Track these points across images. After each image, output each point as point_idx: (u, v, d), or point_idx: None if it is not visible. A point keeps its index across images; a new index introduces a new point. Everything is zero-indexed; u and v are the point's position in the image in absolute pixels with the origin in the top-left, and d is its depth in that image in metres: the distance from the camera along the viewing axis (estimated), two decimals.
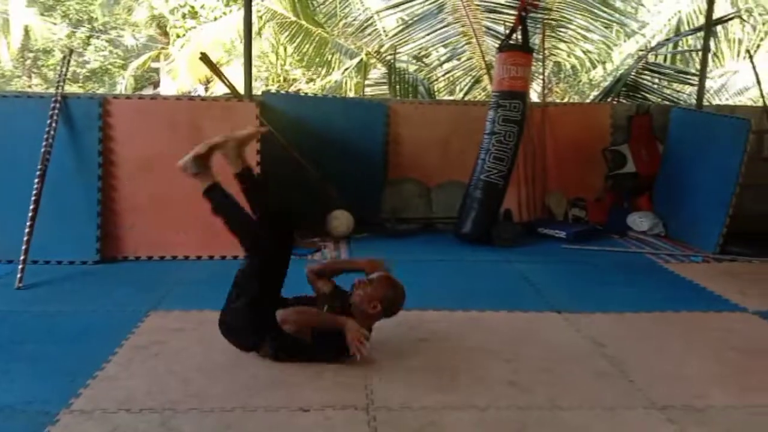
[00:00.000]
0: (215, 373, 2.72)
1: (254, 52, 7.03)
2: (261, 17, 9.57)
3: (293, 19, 9.27)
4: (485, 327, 3.33)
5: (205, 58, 4.99)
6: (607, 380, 2.73)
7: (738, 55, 9.71)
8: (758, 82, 5.96)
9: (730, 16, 8.25)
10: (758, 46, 9.84)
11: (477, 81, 8.38)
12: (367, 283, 2.86)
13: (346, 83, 8.71)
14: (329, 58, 9.20)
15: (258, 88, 7.01)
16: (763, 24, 10.51)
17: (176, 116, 4.64)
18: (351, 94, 8.52)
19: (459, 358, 2.92)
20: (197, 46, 10.49)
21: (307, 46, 9.16)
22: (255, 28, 8.95)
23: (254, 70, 6.55)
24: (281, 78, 12.10)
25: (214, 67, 5.19)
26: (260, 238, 2.86)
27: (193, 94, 11.51)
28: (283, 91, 6.60)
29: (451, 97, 8.51)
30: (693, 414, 2.45)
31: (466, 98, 8.17)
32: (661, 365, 2.89)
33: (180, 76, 12.03)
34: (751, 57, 6.53)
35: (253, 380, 2.65)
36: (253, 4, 5.51)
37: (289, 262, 2.92)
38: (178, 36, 13.96)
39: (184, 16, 14.17)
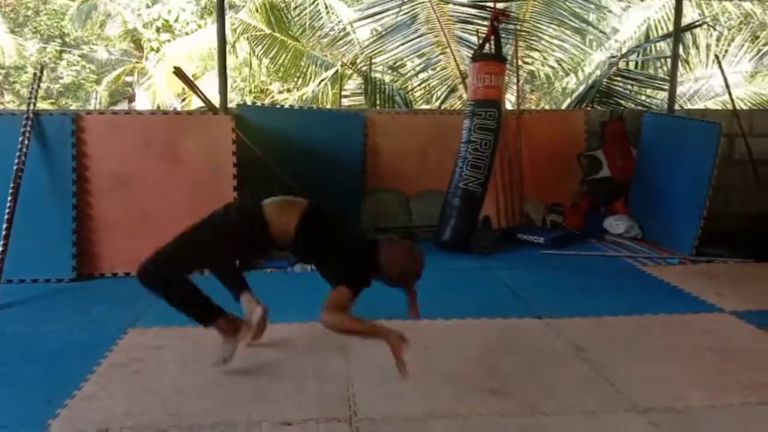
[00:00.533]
0: (195, 389, 2.68)
1: (229, 64, 7.03)
2: (235, 30, 9.56)
3: (268, 31, 9.28)
4: (466, 335, 3.34)
5: (178, 72, 4.96)
6: (588, 384, 2.75)
7: (708, 61, 9.91)
8: (727, 86, 6.08)
9: (698, 23, 8.43)
10: (726, 52, 10.06)
11: (453, 90, 8.44)
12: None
13: (322, 94, 8.72)
14: (305, 70, 9.21)
15: (234, 101, 6.97)
16: (729, 30, 10.75)
17: (151, 131, 4.60)
18: (328, 105, 8.53)
19: (440, 366, 2.92)
20: (172, 60, 10.43)
21: (282, 57, 9.16)
22: (229, 41, 8.94)
23: (229, 83, 6.52)
24: (257, 90, 12.08)
25: (188, 81, 5.15)
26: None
27: (169, 108, 11.42)
28: (258, 103, 6.57)
29: (428, 107, 8.56)
30: (674, 415, 2.48)
31: (442, 107, 8.22)
32: (642, 368, 2.92)
33: (156, 91, 11.95)
34: (719, 62, 6.67)
35: (234, 396, 2.62)
36: (226, 17, 5.50)
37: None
38: (152, 50, 13.86)
39: (158, 30, 14.07)
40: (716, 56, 7.74)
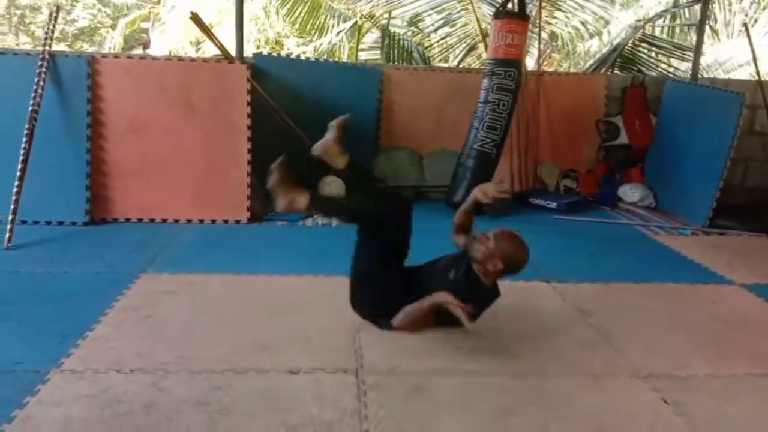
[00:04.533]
0: (204, 335, 2.73)
1: (246, 14, 6.91)
2: None
3: None
4: None
5: (195, 18, 4.89)
6: (592, 349, 2.77)
7: (734, 30, 9.64)
8: (754, 56, 5.93)
9: None
10: (756, 20, 9.76)
11: (472, 48, 8.28)
12: (487, 238, 2.71)
13: (339, 47, 8.58)
14: (322, 22, 9.04)
15: (249, 51, 6.89)
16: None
17: (166, 77, 4.56)
18: (344, 59, 8.41)
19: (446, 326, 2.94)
20: (188, 6, 10.26)
21: (300, 8, 8.99)
22: None
23: (246, 33, 6.42)
24: (273, 42, 11.90)
25: (204, 28, 5.08)
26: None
27: (184, 55, 11.30)
28: (275, 54, 6.49)
29: (446, 65, 8.41)
30: (675, 382, 2.49)
31: (460, 65, 8.08)
32: (646, 335, 2.93)
33: (171, 37, 11.79)
34: (747, 31, 6.48)
35: (242, 343, 2.66)
36: None
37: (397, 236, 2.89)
38: None
39: None
40: (745, 24, 7.52)
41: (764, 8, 9.87)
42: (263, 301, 3.14)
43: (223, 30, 9.60)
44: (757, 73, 5.93)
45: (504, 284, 3.50)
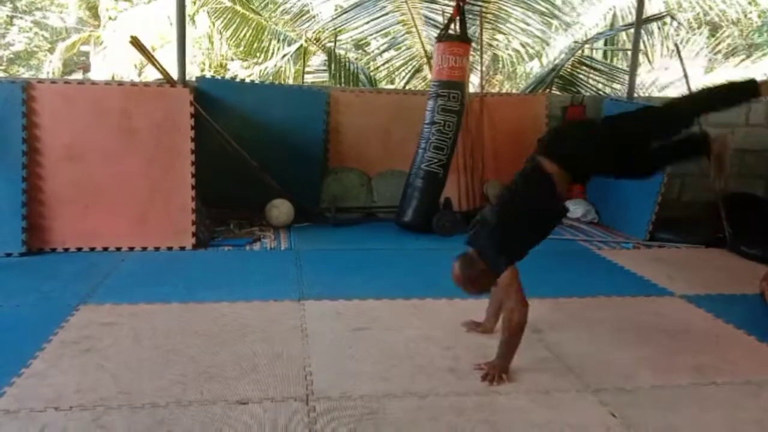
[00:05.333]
0: (148, 368, 2.63)
1: (190, 37, 6.83)
2: (195, 1, 9.30)
3: (229, 4, 9.05)
4: (426, 314, 3.36)
5: (135, 42, 4.79)
6: (543, 365, 2.80)
7: (668, 52, 10.11)
8: (685, 75, 6.20)
9: (660, 15, 8.56)
10: (687, 41, 10.27)
11: (418, 70, 8.41)
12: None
13: (285, 70, 8.57)
14: (267, 45, 9.03)
15: (193, 74, 6.82)
16: (689, 22, 10.96)
17: (105, 102, 4.45)
18: (290, 81, 8.39)
19: (399, 346, 2.93)
20: (129, 30, 10.09)
21: (244, 31, 8.96)
22: (189, 13, 8.69)
23: (189, 56, 6.34)
24: (218, 65, 11.80)
25: (145, 52, 4.98)
26: None
27: (125, 79, 11.08)
28: (219, 77, 6.42)
29: (392, 86, 8.50)
30: (623, 395, 2.54)
31: (406, 87, 8.18)
32: (595, 349, 2.99)
33: (113, 61, 11.55)
34: (678, 51, 6.79)
35: (187, 374, 2.58)
36: None
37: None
38: (110, 18, 13.37)
39: None
40: (676, 45, 7.88)
41: (693, 32, 10.41)
42: (210, 329, 3.05)
43: (166, 53, 9.46)
44: (689, 89, 6.20)
45: (456, 303, 3.53)
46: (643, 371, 2.77)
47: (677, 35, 10.51)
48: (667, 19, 9.49)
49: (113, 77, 11.07)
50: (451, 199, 5.41)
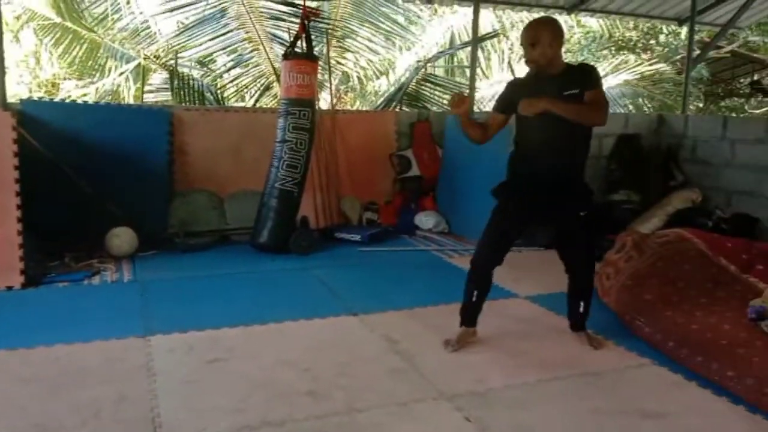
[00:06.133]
0: None
1: (11, 56, 6.22)
2: (18, 18, 8.51)
3: (58, 20, 8.39)
4: (283, 338, 3.27)
5: None
6: (399, 376, 2.84)
7: (504, 68, 10.85)
8: None
9: (493, 34, 9.17)
10: (520, 57, 11.07)
11: (267, 88, 8.30)
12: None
13: (123, 89, 8.07)
14: (103, 63, 8.46)
15: (16, 96, 6.19)
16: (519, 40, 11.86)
17: None
18: (130, 101, 7.92)
19: (255, 374, 2.83)
20: None
21: (76, 50, 8.33)
22: (11, 30, 7.93)
23: (14, 77, 5.77)
24: (48, 84, 10.87)
25: None
26: None
27: None
28: (47, 99, 5.90)
29: (242, 104, 8.32)
30: (476, 399, 2.64)
31: (257, 105, 8.04)
32: (448, 355, 3.08)
33: None
34: (511, 66, 7.31)
35: (19, 427, 2.30)
36: (3, 1, 4.86)
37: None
38: None
39: None
40: (509, 63, 8.50)
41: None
42: (43, 376, 2.75)
43: None
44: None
45: (314, 323, 3.49)
46: (493, 373, 2.89)
47: (511, 52, 11.34)
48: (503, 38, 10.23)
49: None
50: (308, 218, 5.37)
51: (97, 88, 8.23)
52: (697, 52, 8.31)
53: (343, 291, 4.10)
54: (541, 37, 2.90)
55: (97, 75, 8.60)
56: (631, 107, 10.28)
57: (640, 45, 13.36)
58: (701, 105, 13.95)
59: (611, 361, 3.08)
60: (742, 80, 14.66)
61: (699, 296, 3.60)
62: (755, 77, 14.29)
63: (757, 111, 14.10)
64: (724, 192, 5.69)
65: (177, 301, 3.82)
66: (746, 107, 14.38)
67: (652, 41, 13.32)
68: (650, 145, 6.33)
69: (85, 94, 8.67)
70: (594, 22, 10.81)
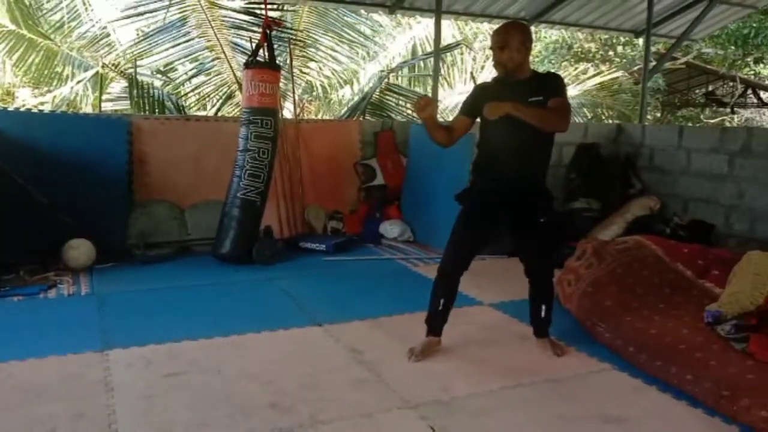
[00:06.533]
0: None
1: None
2: None
3: (12, 27, 8.18)
4: (245, 351, 3.22)
5: None
6: (364, 387, 2.82)
7: (466, 79, 10.98)
8: None
9: (455, 44, 9.28)
10: (482, 68, 11.22)
11: (230, 97, 8.23)
12: None
13: (81, 97, 7.89)
14: (60, 71, 8.27)
15: None
16: (483, 50, 12.04)
17: None
18: (88, 110, 7.75)
19: (217, 388, 2.77)
20: None
21: (32, 57, 8.12)
22: None
23: None
24: (3, 93, 10.57)
25: None
26: None
27: None
28: (2, 108, 5.73)
29: (204, 113, 8.22)
30: (440, 407, 2.63)
31: (219, 114, 7.96)
32: (413, 364, 3.08)
33: None
34: (473, 76, 7.40)
35: None
36: None
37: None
38: None
39: None
40: (471, 74, 8.60)
41: (488, 59, 11.43)
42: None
43: None
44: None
45: (278, 334, 3.45)
46: (457, 381, 2.89)
47: (473, 62, 11.48)
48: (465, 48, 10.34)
49: None
50: (271, 227, 5.32)
51: (54, 97, 8.04)
52: (654, 63, 8.54)
53: (307, 301, 4.07)
54: (511, 41, 2.93)
55: (54, 83, 8.40)
56: (590, 117, 10.51)
57: (598, 56, 13.69)
58: (659, 115, 14.37)
59: (573, 367, 3.11)
60: (697, 91, 15.16)
61: (657, 302, 3.67)
62: (710, 88, 14.79)
63: (712, 120, 14.60)
64: (681, 199, 5.84)
65: (136, 315, 3.73)
66: (702, 117, 14.86)
67: (611, 52, 13.67)
68: (609, 153, 6.45)
69: (42, 103, 8.46)
70: (555, 34, 11.04)
